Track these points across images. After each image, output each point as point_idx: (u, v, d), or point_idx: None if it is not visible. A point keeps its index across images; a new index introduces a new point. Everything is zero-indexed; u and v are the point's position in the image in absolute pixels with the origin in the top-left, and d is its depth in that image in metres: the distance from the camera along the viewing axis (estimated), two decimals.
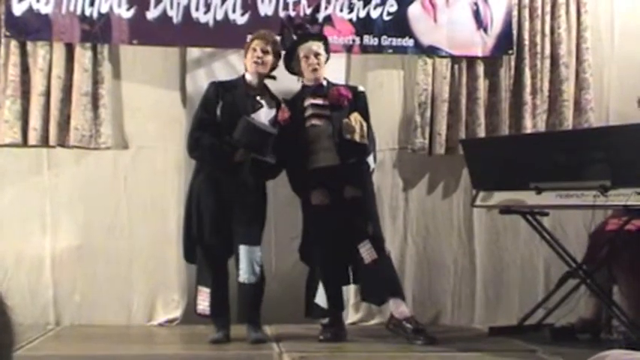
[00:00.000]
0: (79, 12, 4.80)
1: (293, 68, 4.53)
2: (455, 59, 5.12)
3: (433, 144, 5.08)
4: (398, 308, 4.40)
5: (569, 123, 5.15)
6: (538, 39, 5.17)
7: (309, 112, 4.43)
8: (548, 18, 5.19)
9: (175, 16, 4.87)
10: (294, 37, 4.48)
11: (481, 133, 5.08)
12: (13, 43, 4.80)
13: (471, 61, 5.13)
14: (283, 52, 4.49)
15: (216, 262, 4.36)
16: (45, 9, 4.78)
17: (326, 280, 4.39)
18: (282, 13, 4.88)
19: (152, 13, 4.86)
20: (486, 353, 4.03)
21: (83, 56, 4.82)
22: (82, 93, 4.81)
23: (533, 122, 5.17)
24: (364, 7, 5.02)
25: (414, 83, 5.13)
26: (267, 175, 4.46)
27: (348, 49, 5.03)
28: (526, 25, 5.17)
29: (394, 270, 4.50)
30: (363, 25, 5.02)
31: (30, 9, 4.77)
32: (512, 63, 5.19)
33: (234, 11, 4.90)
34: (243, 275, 4.31)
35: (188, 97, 4.95)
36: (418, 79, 5.10)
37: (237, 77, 4.54)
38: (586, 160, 4.07)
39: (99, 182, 4.94)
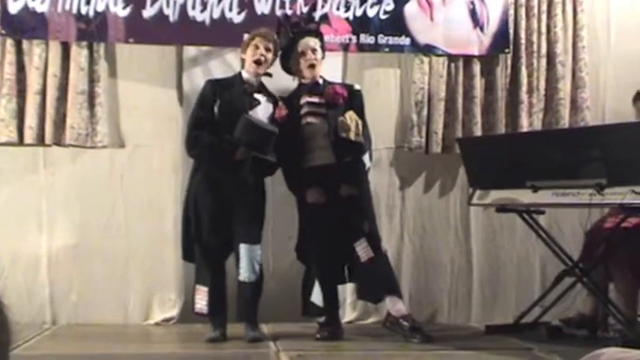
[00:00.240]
0: (75, 10, 4.79)
1: (289, 67, 4.53)
2: (451, 58, 5.12)
3: (430, 143, 5.08)
4: (395, 306, 4.40)
5: (565, 121, 5.16)
6: (534, 38, 5.18)
7: (304, 110, 4.43)
8: (544, 17, 5.20)
9: (172, 14, 4.86)
10: (291, 36, 4.48)
11: (478, 131, 5.09)
12: (9, 42, 4.79)
13: (468, 59, 5.14)
14: (280, 51, 4.49)
15: (215, 261, 4.35)
16: (41, 7, 4.77)
17: (322, 278, 4.39)
18: (278, 12, 4.88)
19: (148, 12, 4.85)
20: (483, 352, 4.04)
21: (79, 55, 4.82)
22: (78, 91, 4.80)
23: (530, 121, 5.18)
24: (361, 5, 5.02)
25: (410, 82, 5.13)
26: (266, 172, 4.46)
27: (345, 47, 5.03)
28: (522, 23, 5.18)
29: (391, 268, 4.51)
30: (360, 24, 5.02)
31: (26, 7, 4.76)
32: (509, 62, 5.19)
33: (230, 10, 4.90)
34: (244, 274, 4.30)
35: (185, 96, 4.94)
36: (415, 78, 5.10)
37: (233, 75, 4.54)
38: (582, 158, 4.08)
39: (95, 181, 4.94)
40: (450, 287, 5.19)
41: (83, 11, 4.80)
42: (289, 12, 4.85)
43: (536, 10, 5.18)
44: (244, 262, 4.29)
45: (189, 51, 5.00)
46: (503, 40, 5.14)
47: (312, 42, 4.47)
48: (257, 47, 4.38)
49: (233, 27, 4.86)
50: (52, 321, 4.87)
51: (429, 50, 5.09)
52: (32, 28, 4.77)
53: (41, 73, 4.79)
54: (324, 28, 4.75)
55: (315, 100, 4.44)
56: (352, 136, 4.33)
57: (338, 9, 5.00)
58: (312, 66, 4.44)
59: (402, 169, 5.18)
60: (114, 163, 4.96)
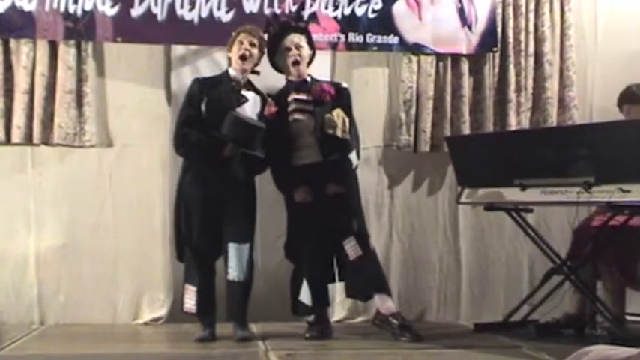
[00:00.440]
0: (62, 9, 4.77)
1: (277, 64, 4.54)
2: (440, 57, 5.13)
3: (418, 141, 5.10)
4: (384, 304, 4.41)
5: (553, 120, 5.18)
6: (522, 37, 5.20)
7: (292, 107, 4.43)
8: (532, 16, 5.22)
9: (160, 13, 4.85)
10: (276, 32, 4.49)
11: (466, 130, 5.10)
12: None
13: (456, 58, 5.15)
14: (267, 49, 4.49)
15: (204, 260, 4.34)
16: (28, 6, 4.75)
17: (310, 277, 4.40)
18: (267, 11, 4.88)
19: (136, 11, 4.84)
20: (472, 350, 4.05)
21: (67, 54, 4.80)
22: (66, 91, 4.79)
23: (518, 119, 5.20)
24: (349, 4, 5.02)
25: (399, 81, 5.14)
26: (255, 170, 4.46)
27: (334, 46, 5.04)
28: (510, 22, 5.20)
29: (380, 266, 4.51)
30: (348, 23, 5.03)
31: (13, 6, 4.74)
32: (497, 60, 5.21)
33: (219, 9, 4.90)
34: (233, 273, 4.30)
35: (173, 95, 4.94)
36: (403, 77, 5.11)
37: (220, 73, 4.53)
38: (570, 157, 4.10)
39: (83, 180, 4.92)
40: (439, 285, 5.21)
41: (71, 10, 4.78)
42: (278, 11, 4.85)
43: (523, 9, 5.20)
44: (233, 262, 4.29)
45: (178, 50, 4.99)
46: (491, 39, 5.16)
47: (297, 38, 4.47)
48: (241, 43, 4.38)
49: (221, 26, 4.85)
50: (40, 321, 4.85)
51: (417, 49, 5.10)
52: (20, 27, 4.75)
53: (29, 72, 4.77)
54: (312, 26, 4.76)
55: (303, 97, 4.45)
56: (339, 133, 4.33)
57: (326, 8, 5.00)
58: (296, 62, 4.44)
59: (390, 167, 5.19)
60: (102, 163, 4.95)
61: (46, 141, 4.81)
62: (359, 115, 4.58)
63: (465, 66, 5.15)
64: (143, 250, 4.93)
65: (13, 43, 4.80)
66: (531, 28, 5.22)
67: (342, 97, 4.49)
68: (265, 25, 4.55)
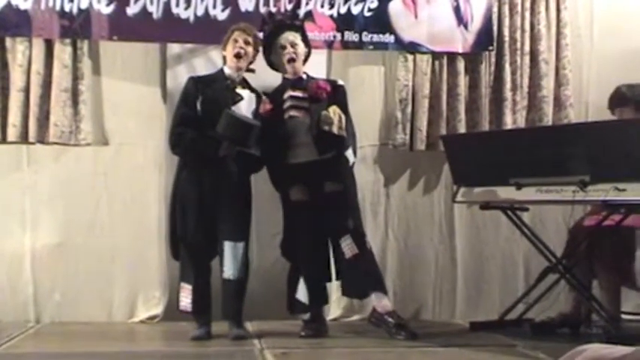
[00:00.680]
0: (58, 8, 4.76)
1: (273, 62, 4.53)
2: (435, 55, 5.14)
3: (414, 140, 5.10)
4: (380, 302, 4.41)
5: (548, 119, 5.19)
6: (518, 35, 5.20)
7: (287, 104, 4.43)
8: (527, 14, 5.22)
9: (155, 11, 4.85)
10: (272, 30, 4.49)
11: (462, 129, 5.11)
12: None
13: (452, 57, 5.15)
14: (262, 47, 4.49)
15: (200, 259, 4.34)
16: (24, 4, 4.74)
17: (307, 275, 4.40)
18: (262, 9, 4.88)
19: (132, 9, 4.83)
20: (467, 348, 4.06)
21: (63, 52, 4.79)
22: (62, 89, 4.78)
23: (514, 118, 5.20)
24: (345, 3, 5.02)
25: (394, 79, 5.14)
26: (252, 169, 4.46)
27: (329, 45, 5.04)
28: (506, 21, 5.20)
29: (376, 264, 4.51)
30: (344, 21, 5.02)
31: (9, 4, 4.73)
32: (493, 59, 5.21)
33: (214, 7, 4.89)
34: (228, 272, 4.30)
35: (169, 94, 4.93)
36: (399, 75, 5.12)
37: (215, 71, 4.53)
38: (565, 155, 4.10)
39: (79, 179, 4.92)
40: (435, 284, 5.21)
41: (67, 8, 4.77)
42: (273, 9, 4.85)
43: (519, 8, 5.20)
44: (228, 260, 4.28)
45: (173, 48, 4.99)
46: (487, 37, 5.16)
47: (292, 36, 4.47)
48: (236, 41, 4.38)
49: (217, 24, 4.84)
50: (35, 319, 4.85)
51: (413, 48, 5.10)
52: (15, 25, 4.75)
53: (24, 71, 4.77)
54: (308, 25, 4.76)
55: (299, 94, 4.45)
56: (335, 129, 4.33)
57: (322, 6, 5.00)
58: (291, 60, 4.44)
59: (386, 166, 5.20)
60: (98, 161, 4.94)
61: (42, 139, 4.80)
62: (355, 113, 4.58)
63: (460, 64, 5.15)
64: (139, 248, 4.93)
65: (8, 41, 4.79)
66: (527, 27, 5.22)
67: (338, 95, 4.49)
68: (261, 24, 4.55)
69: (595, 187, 3.96)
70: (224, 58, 4.47)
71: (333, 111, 4.36)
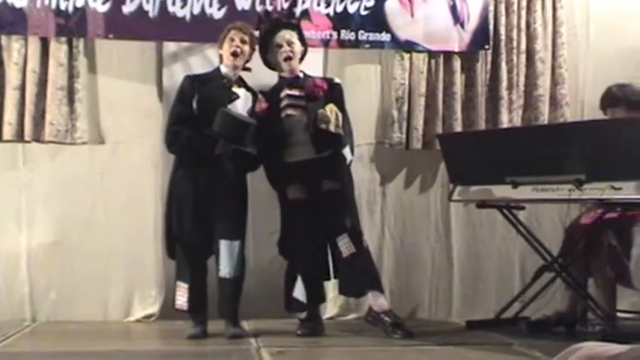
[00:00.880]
0: (54, 6, 4.75)
1: (269, 61, 4.53)
2: (432, 54, 5.14)
3: (410, 138, 5.10)
4: (377, 301, 4.41)
5: (544, 118, 5.19)
6: (514, 34, 5.20)
7: (284, 103, 4.43)
8: (524, 13, 5.23)
9: (152, 10, 4.84)
10: (268, 28, 4.49)
11: (458, 127, 5.11)
12: None
13: (448, 56, 5.15)
14: (258, 46, 4.49)
15: (196, 257, 4.34)
16: (19, 3, 4.73)
17: (304, 274, 4.40)
18: (259, 8, 4.87)
19: (128, 7, 4.82)
20: (463, 347, 4.06)
21: (58, 50, 4.78)
22: (58, 87, 4.77)
23: (510, 117, 5.21)
24: (341, 1, 5.02)
25: (391, 78, 5.14)
26: (248, 167, 4.46)
27: (326, 43, 5.03)
28: (502, 20, 5.20)
29: (373, 263, 4.51)
30: (341, 20, 5.02)
31: (4, 2, 4.72)
32: (489, 58, 5.22)
33: (210, 5, 4.89)
34: (224, 270, 4.29)
35: (165, 92, 4.92)
36: (395, 74, 5.12)
37: (212, 70, 4.53)
38: (561, 154, 4.10)
39: (75, 178, 4.91)
40: (431, 283, 5.21)
41: (62, 6, 4.76)
42: (270, 8, 4.84)
43: (515, 7, 5.21)
44: (224, 258, 4.28)
45: (170, 47, 4.98)
46: (483, 36, 5.17)
47: (289, 35, 4.47)
48: (232, 40, 4.37)
49: (213, 23, 4.83)
50: (31, 318, 4.84)
51: (409, 46, 5.10)
52: (11, 23, 4.74)
53: (20, 69, 4.76)
54: (304, 23, 4.75)
55: (295, 92, 4.44)
56: (332, 127, 4.33)
57: (318, 5, 5.00)
58: (288, 58, 4.44)
59: (382, 165, 5.20)
60: (94, 160, 4.93)
61: (38, 138, 4.79)
62: (351, 112, 4.58)
63: (457, 63, 5.15)
64: (135, 247, 4.92)
65: (4, 39, 4.78)
66: (523, 26, 5.22)
67: (334, 93, 4.49)
68: (257, 22, 4.55)
69: (591, 185, 3.96)
70: (220, 56, 4.47)
71: (330, 109, 4.35)
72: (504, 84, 5.19)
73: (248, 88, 4.46)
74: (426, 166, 5.22)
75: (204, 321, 4.34)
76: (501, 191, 4.38)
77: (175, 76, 4.84)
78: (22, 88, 4.75)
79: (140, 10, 4.82)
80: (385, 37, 5.07)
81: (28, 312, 4.85)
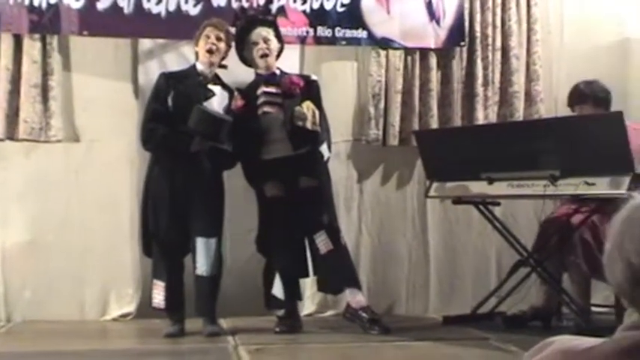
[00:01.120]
0: (27, 2, 4.70)
1: (246, 58, 4.52)
2: (408, 51, 5.15)
3: (387, 135, 5.11)
4: (354, 298, 4.42)
5: (519, 114, 5.22)
6: (489, 31, 5.23)
7: (261, 100, 4.43)
8: (499, 10, 5.25)
9: (126, 6, 4.80)
10: (244, 25, 4.48)
11: (434, 124, 5.13)
12: None
13: (424, 52, 5.17)
14: (234, 43, 4.48)
15: (172, 255, 4.33)
16: None
17: (282, 271, 4.40)
18: (235, 4, 4.86)
19: (102, 4, 4.79)
20: (441, 342, 4.09)
21: (32, 47, 4.74)
22: (32, 85, 4.73)
23: (485, 113, 5.23)
24: None
25: (367, 75, 5.15)
26: (224, 165, 4.44)
27: (302, 40, 5.03)
28: (477, 17, 5.22)
29: (350, 260, 4.53)
30: (317, 17, 5.02)
31: None
32: (464, 55, 5.24)
33: (186, 2, 4.86)
34: (201, 268, 4.28)
35: (140, 89, 4.89)
36: (371, 71, 5.12)
37: (187, 67, 4.51)
38: (536, 150, 4.14)
39: (50, 176, 4.87)
40: (408, 279, 5.23)
41: (36, 3, 4.71)
42: (246, 4, 4.83)
43: (490, 4, 5.23)
44: (201, 256, 4.27)
45: (145, 44, 4.95)
46: (458, 33, 5.19)
47: (265, 32, 4.46)
48: (208, 37, 4.36)
49: (189, 19, 4.81)
50: (6, 318, 4.79)
51: (385, 43, 5.11)
52: None
53: None
54: (281, 20, 4.75)
55: (272, 90, 4.44)
56: (309, 125, 4.33)
57: (295, 1, 4.99)
58: (264, 55, 4.43)
59: (359, 161, 5.20)
60: (69, 158, 4.89)
61: (11, 136, 4.75)
62: (327, 109, 4.59)
63: (433, 60, 5.17)
64: (111, 245, 4.89)
65: None
66: (498, 23, 5.25)
67: (311, 90, 4.49)
68: (233, 19, 4.54)
69: (565, 181, 4.00)
70: (196, 53, 4.45)
71: (307, 106, 4.36)
72: (480, 81, 5.21)
73: (224, 86, 4.45)
74: (402, 163, 5.23)
75: (182, 319, 4.32)
76: (477, 187, 4.41)
77: (151, 73, 4.81)
78: None
79: (115, 7, 4.79)
80: (361, 33, 5.07)
81: (3, 312, 4.80)
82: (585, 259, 4.27)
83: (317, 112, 4.39)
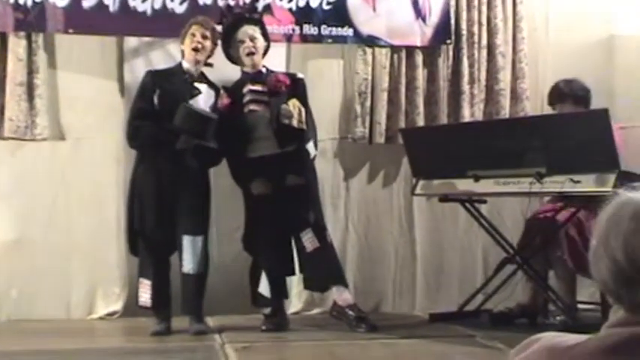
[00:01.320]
0: (12, 0, 4.68)
1: (232, 56, 4.52)
2: (394, 49, 5.15)
3: (373, 133, 5.12)
4: (341, 295, 4.43)
5: (505, 112, 5.24)
6: (475, 29, 5.24)
7: (247, 98, 4.42)
8: (484, 8, 5.27)
9: (112, 4, 4.78)
10: (231, 23, 4.47)
11: (420, 122, 5.14)
12: None
13: (410, 50, 5.18)
14: (220, 41, 4.47)
15: (158, 253, 4.32)
16: None
17: (268, 269, 4.40)
18: (221, 2, 4.85)
19: (88, 2, 4.76)
20: (427, 339, 4.09)
21: (17, 45, 4.71)
22: (17, 83, 4.70)
23: (471, 111, 5.24)
24: None
25: (353, 73, 5.15)
26: (210, 162, 4.44)
27: (288, 38, 5.03)
28: (463, 15, 5.24)
29: (337, 258, 4.53)
30: (303, 15, 5.01)
31: None
32: (451, 53, 5.25)
33: (172, 0, 4.85)
34: (187, 266, 4.28)
35: (126, 87, 4.88)
36: (358, 69, 5.13)
37: (173, 65, 4.50)
38: (522, 148, 4.16)
39: (36, 174, 4.85)
40: (395, 277, 5.24)
41: (21, 1, 4.69)
42: (232, 2, 4.82)
43: (476, 2, 5.24)
44: (187, 254, 4.27)
45: (131, 42, 4.93)
46: (444, 31, 5.20)
47: (251, 30, 4.46)
48: (194, 35, 4.35)
49: (175, 17, 4.80)
50: None
51: (371, 41, 5.11)
52: None
53: None
54: (267, 18, 4.75)
55: (258, 88, 4.44)
56: (295, 123, 4.34)
57: None
58: (250, 54, 4.43)
59: (346, 159, 5.21)
60: (55, 156, 4.87)
61: None
62: (314, 107, 4.59)
63: (419, 58, 5.18)
64: (97, 244, 4.87)
65: None
66: (484, 21, 5.26)
67: (297, 88, 4.49)
68: (219, 17, 4.53)
69: (551, 178, 4.02)
70: (182, 51, 4.45)
71: (293, 104, 4.36)
72: (466, 78, 5.22)
73: (210, 84, 4.44)
74: (389, 161, 5.24)
75: (168, 317, 4.32)
76: (463, 185, 4.42)
77: (136, 71, 4.80)
78: None
79: (100, 5, 4.77)
80: (348, 31, 5.07)
81: None
82: (571, 255, 4.29)
83: (303, 110, 4.39)
